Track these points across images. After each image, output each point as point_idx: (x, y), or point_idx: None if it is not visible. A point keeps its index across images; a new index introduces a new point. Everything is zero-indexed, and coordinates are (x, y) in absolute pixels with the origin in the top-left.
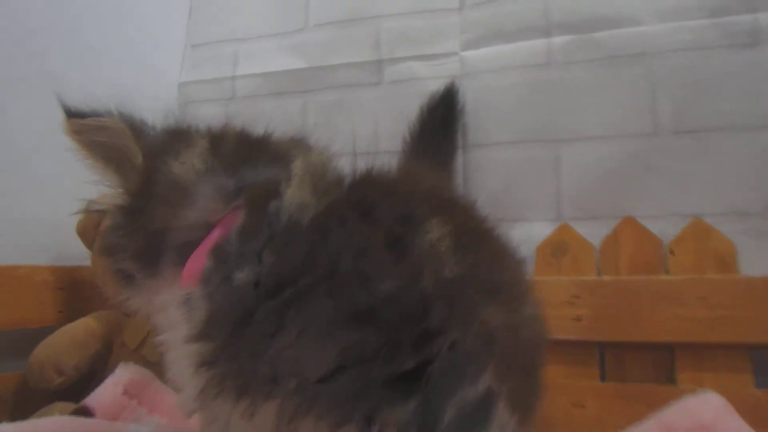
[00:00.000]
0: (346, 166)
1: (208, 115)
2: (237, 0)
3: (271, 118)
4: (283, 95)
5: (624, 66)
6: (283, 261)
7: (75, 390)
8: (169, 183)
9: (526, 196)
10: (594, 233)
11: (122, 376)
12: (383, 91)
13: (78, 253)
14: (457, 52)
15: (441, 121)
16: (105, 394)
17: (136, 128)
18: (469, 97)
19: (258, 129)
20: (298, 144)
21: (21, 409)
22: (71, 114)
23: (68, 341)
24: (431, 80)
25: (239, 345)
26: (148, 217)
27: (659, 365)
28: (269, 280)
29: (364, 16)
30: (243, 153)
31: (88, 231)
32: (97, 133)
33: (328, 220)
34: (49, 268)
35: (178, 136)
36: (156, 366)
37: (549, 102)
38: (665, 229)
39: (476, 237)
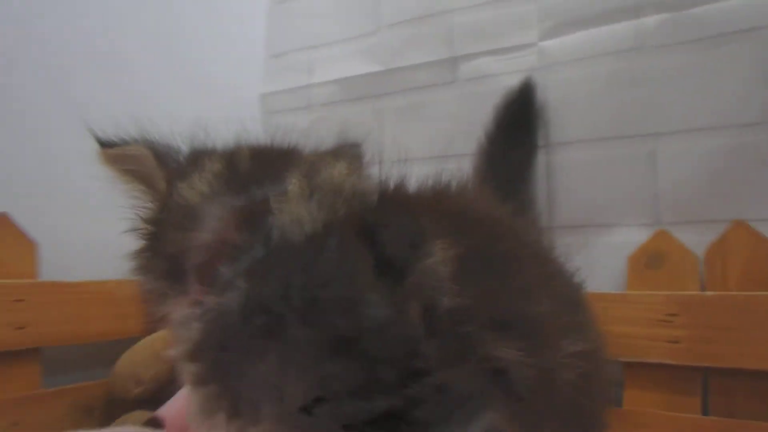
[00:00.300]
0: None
1: (288, 124)
2: (311, 7)
3: (346, 125)
4: (358, 101)
5: (729, 45)
6: (266, 284)
7: (156, 398)
8: (179, 207)
9: (617, 197)
10: (697, 241)
11: None
12: (458, 90)
13: None
14: (536, 42)
15: (518, 120)
16: (175, 406)
17: (160, 154)
18: (550, 91)
19: (287, 142)
20: (322, 157)
21: (108, 415)
22: (102, 144)
23: (147, 353)
24: (509, 75)
25: (227, 368)
26: (165, 242)
27: None
28: (250, 304)
29: (435, 11)
30: (255, 170)
31: None
32: (127, 161)
33: (324, 240)
34: (133, 283)
35: (193, 160)
36: None
37: (641, 91)
38: None
39: (496, 261)
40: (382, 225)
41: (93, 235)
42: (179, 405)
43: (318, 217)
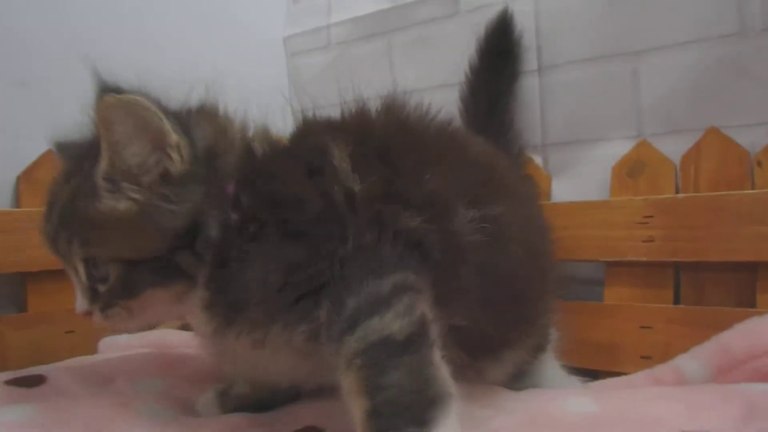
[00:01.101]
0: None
1: (309, 65)
2: None
3: (362, 62)
4: (371, 38)
5: None
6: (254, 198)
7: None
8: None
9: (603, 114)
10: (676, 149)
11: None
12: (461, 22)
13: None
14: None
15: (496, 50)
16: None
17: (162, 108)
18: (544, 18)
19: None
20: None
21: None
22: (108, 89)
23: None
24: (506, 4)
25: (226, 281)
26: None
27: (739, 287)
28: (247, 217)
29: None
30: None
31: None
32: (134, 109)
33: (274, 162)
34: None
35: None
36: None
37: (622, 13)
38: (755, 139)
39: (387, 153)
40: (303, 146)
41: None
42: None
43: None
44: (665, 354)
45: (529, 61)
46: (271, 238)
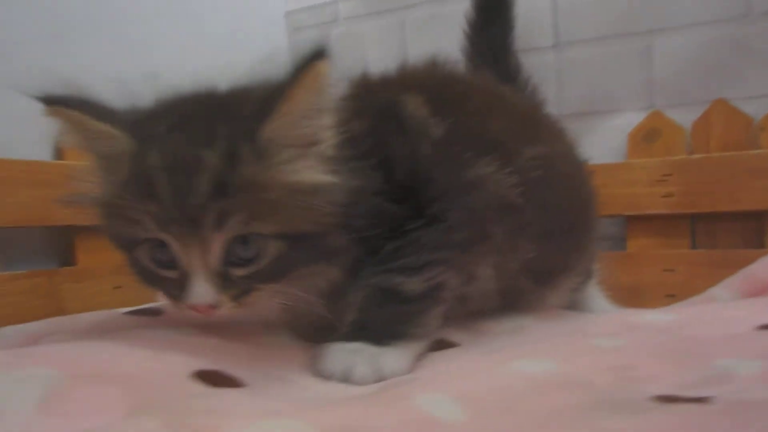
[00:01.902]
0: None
1: (314, 40)
2: None
3: (371, 38)
4: (382, 14)
5: None
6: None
7: None
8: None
9: (618, 87)
10: (685, 118)
11: None
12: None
13: None
14: None
15: (491, 12)
16: None
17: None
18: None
19: None
20: None
21: None
22: (46, 100)
23: None
24: None
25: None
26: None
27: (749, 232)
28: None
29: None
30: None
31: None
32: (326, 80)
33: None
34: None
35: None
36: None
37: None
38: (758, 109)
39: (453, 99)
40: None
41: None
42: None
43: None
44: (688, 292)
45: (546, 37)
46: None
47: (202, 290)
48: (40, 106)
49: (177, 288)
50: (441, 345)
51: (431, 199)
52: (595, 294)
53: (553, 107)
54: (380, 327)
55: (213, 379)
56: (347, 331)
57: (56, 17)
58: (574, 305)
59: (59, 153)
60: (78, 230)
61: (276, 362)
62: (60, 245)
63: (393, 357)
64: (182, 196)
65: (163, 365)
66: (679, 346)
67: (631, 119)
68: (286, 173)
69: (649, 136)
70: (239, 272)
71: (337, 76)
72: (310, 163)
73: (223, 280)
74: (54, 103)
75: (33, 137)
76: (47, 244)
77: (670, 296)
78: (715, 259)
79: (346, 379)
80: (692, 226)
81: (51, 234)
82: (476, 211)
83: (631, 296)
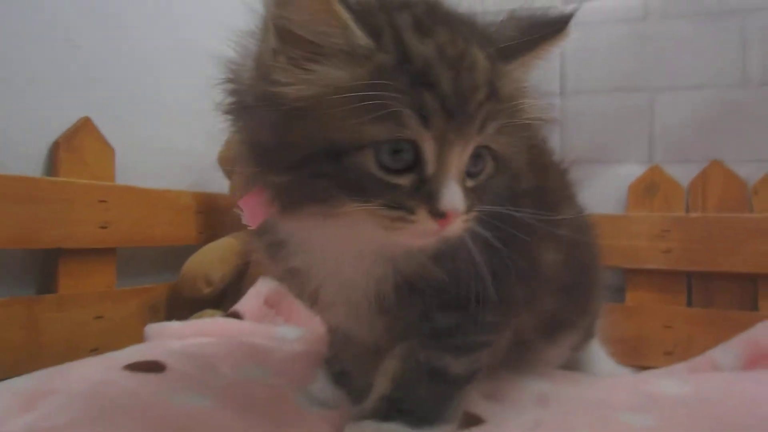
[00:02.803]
0: None
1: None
2: None
3: None
4: None
5: (718, 21)
6: None
7: (217, 300)
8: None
9: (621, 139)
10: (683, 175)
11: (263, 288)
12: None
13: (211, 181)
14: (557, 6)
15: None
16: (250, 302)
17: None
18: (569, 48)
19: None
20: None
21: (174, 315)
22: None
23: (215, 257)
24: None
25: None
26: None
27: (743, 294)
28: None
29: None
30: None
31: (228, 160)
32: None
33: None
34: (191, 194)
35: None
36: None
37: (645, 53)
38: (750, 172)
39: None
40: None
41: (168, 144)
42: (254, 302)
43: None
44: (686, 349)
45: (552, 83)
46: None
47: (456, 195)
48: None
49: (410, 195)
50: (468, 420)
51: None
52: (598, 353)
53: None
54: (419, 408)
55: None
56: (379, 407)
57: None
58: (576, 364)
59: (53, 169)
60: (63, 253)
61: None
62: (42, 269)
63: None
64: (466, 91)
65: None
66: (708, 426)
67: (631, 171)
68: (521, 102)
69: (649, 189)
70: (469, 183)
71: None
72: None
73: (463, 188)
74: None
75: (24, 151)
76: (28, 268)
77: (669, 354)
78: (713, 318)
79: None
80: (689, 283)
81: (33, 257)
82: (536, 293)
83: (630, 350)
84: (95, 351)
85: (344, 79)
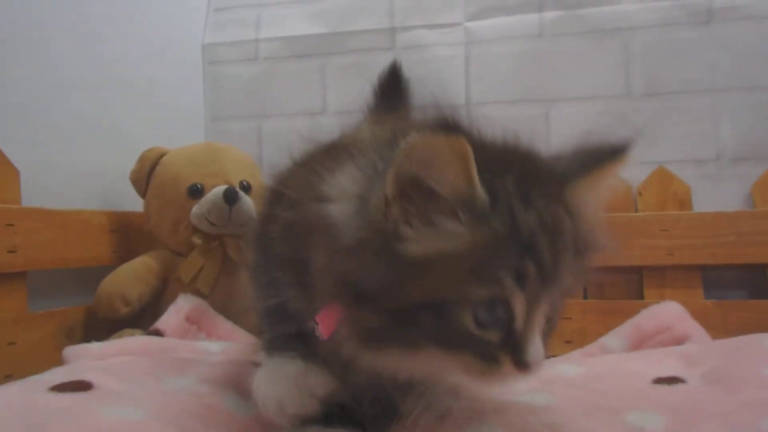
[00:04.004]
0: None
1: (233, 75)
2: None
3: (293, 79)
4: (304, 58)
5: (604, 39)
6: None
7: (135, 319)
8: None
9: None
10: None
11: (184, 305)
12: (395, 56)
13: (123, 199)
14: (462, 22)
15: (389, 91)
16: (171, 320)
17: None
18: (473, 63)
19: None
20: None
21: (91, 337)
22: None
23: (131, 276)
24: (439, 47)
25: None
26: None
27: (630, 285)
28: None
29: None
30: None
31: (141, 179)
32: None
33: None
34: (104, 213)
35: None
36: (207, 297)
37: (541, 68)
38: (635, 174)
39: None
40: None
41: (77, 163)
42: (175, 319)
43: None
44: (583, 337)
45: (458, 96)
46: None
47: (539, 348)
48: None
49: (498, 348)
50: None
51: None
52: None
53: None
54: None
55: None
56: None
57: None
58: None
59: None
60: None
61: None
62: None
63: None
64: (558, 255)
65: None
66: (597, 402)
67: None
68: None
69: None
70: (545, 328)
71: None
72: None
73: (543, 336)
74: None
75: None
76: None
77: (568, 342)
78: (606, 308)
79: None
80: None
81: None
82: None
83: None
84: (9, 377)
85: (465, 242)
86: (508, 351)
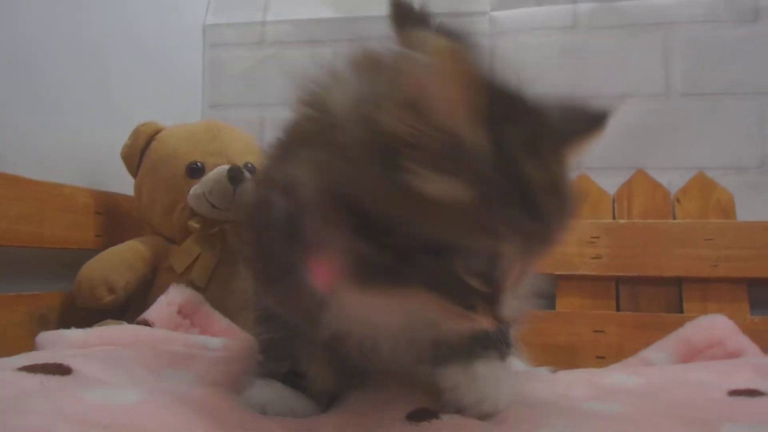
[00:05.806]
0: None
1: (236, 59)
2: None
3: (301, 65)
4: (313, 43)
5: (642, 33)
6: None
7: (118, 311)
8: None
9: None
10: (608, 183)
11: (176, 296)
12: None
13: (111, 180)
14: (487, 11)
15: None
16: (161, 311)
17: None
18: (498, 55)
19: None
20: None
21: (67, 326)
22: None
23: (118, 261)
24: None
25: None
26: None
27: (668, 297)
28: None
29: None
30: None
31: (134, 154)
32: None
33: None
34: (90, 192)
35: None
36: (202, 290)
37: (573, 62)
38: (673, 180)
39: None
40: None
41: (61, 135)
42: (165, 311)
43: None
44: (617, 353)
45: None
46: None
47: (512, 303)
48: None
49: (478, 296)
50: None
51: None
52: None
53: None
54: None
55: None
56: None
57: None
58: None
59: None
60: None
61: None
62: None
63: None
64: (558, 218)
65: None
66: (679, 412)
67: None
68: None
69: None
70: None
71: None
72: None
73: None
74: None
75: None
76: None
77: (601, 358)
78: (641, 322)
79: None
80: (617, 288)
81: None
82: None
83: (562, 355)
84: None
85: (469, 194)
86: (487, 300)
